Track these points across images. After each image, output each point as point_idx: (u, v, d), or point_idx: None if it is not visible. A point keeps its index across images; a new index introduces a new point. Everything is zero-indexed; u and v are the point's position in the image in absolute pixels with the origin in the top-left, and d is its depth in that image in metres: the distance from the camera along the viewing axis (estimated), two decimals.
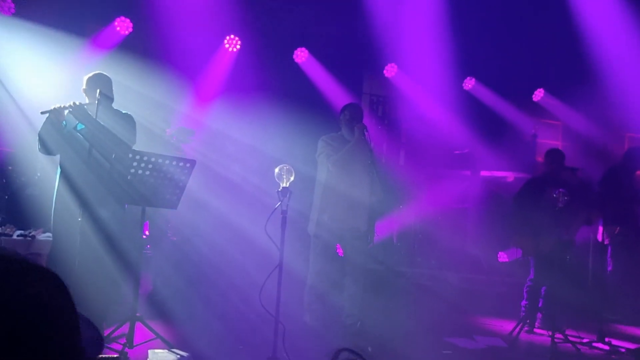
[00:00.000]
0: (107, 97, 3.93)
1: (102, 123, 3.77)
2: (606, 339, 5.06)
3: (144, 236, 4.68)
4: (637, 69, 7.90)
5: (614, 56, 7.94)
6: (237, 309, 4.77)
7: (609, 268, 6.26)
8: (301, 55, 7.84)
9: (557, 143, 9.46)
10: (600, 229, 6.03)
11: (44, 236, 4.43)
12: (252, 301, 3.93)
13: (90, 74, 4.01)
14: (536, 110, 8.93)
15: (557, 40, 8.14)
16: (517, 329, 4.97)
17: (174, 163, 3.73)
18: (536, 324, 5.45)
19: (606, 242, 6.12)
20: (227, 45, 7.49)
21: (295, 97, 7.18)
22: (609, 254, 6.18)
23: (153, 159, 3.64)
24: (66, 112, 3.78)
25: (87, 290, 3.66)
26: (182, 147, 5.45)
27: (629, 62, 7.89)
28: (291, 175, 3.63)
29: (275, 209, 3.58)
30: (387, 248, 7.05)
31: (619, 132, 9.76)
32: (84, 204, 3.74)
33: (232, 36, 7.48)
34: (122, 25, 7.05)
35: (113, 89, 4.14)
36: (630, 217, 6.12)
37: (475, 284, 6.79)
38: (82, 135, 3.85)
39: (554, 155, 5.58)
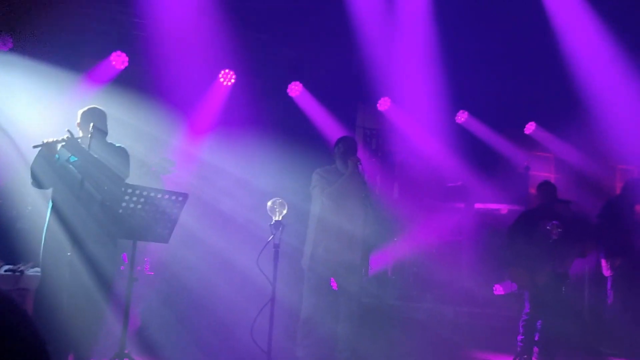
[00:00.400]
0: (100, 130, 3.95)
1: (95, 155, 3.77)
2: None
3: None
4: (626, 102, 8.03)
5: (604, 89, 8.06)
6: (228, 345, 4.68)
7: (609, 300, 6.22)
8: (295, 89, 7.93)
9: (549, 175, 9.51)
10: (603, 261, 6.03)
11: (32, 271, 4.36)
12: (244, 336, 3.87)
13: (85, 108, 4.03)
14: (528, 143, 9.02)
15: (548, 73, 8.28)
16: None
17: (166, 197, 3.71)
18: (533, 358, 5.36)
19: (607, 274, 6.10)
20: (221, 79, 7.57)
21: (289, 130, 7.23)
22: (609, 286, 6.15)
23: (145, 193, 3.63)
24: (59, 145, 3.78)
25: (74, 326, 3.62)
26: (175, 179, 5.44)
27: (619, 95, 8.02)
28: (284, 209, 3.62)
29: (268, 242, 3.56)
30: (381, 281, 6.99)
31: (611, 164, 9.85)
32: (75, 238, 3.71)
33: (226, 70, 7.57)
34: (118, 60, 7.13)
35: (107, 123, 4.16)
36: (630, 249, 6.12)
37: (471, 317, 6.72)
38: (75, 168, 3.84)
39: (546, 188, 5.60)
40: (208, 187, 6.18)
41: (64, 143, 3.74)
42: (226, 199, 6.25)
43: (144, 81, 6.89)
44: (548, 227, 4.74)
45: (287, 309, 4.68)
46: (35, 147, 3.77)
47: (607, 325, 6.19)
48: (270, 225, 3.58)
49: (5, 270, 4.37)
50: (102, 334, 3.94)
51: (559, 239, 4.77)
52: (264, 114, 7.24)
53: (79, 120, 4.00)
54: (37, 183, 3.89)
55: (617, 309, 6.11)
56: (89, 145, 3.74)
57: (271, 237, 3.55)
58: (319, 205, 4.74)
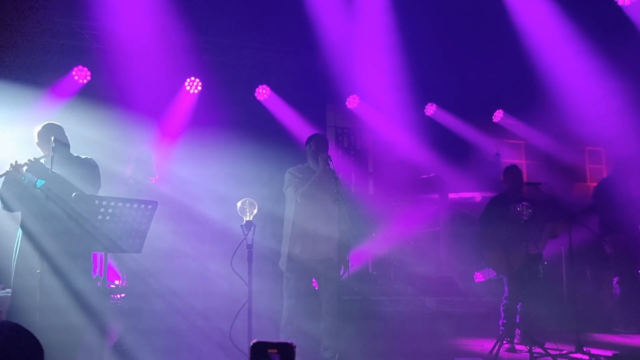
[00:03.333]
0: (62, 143, 3.87)
1: (59, 173, 3.69)
2: (584, 349, 5.06)
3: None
4: (590, 85, 8.19)
5: (567, 73, 8.23)
6: (209, 350, 4.63)
7: (615, 278, 6.37)
8: (263, 93, 7.92)
9: (520, 161, 9.67)
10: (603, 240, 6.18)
11: (3, 293, 4.26)
12: (224, 341, 3.83)
13: (39, 127, 3.95)
14: (498, 131, 9.16)
15: (512, 61, 8.41)
16: (497, 347, 4.94)
17: (135, 206, 3.64)
18: (515, 340, 5.43)
19: (608, 251, 6.25)
20: (187, 87, 7.53)
21: (260, 134, 7.21)
22: (611, 263, 6.31)
23: (113, 203, 3.56)
24: (24, 169, 3.71)
25: (49, 343, 3.54)
26: (146, 189, 5.37)
27: (583, 78, 8.19)
28: (254, 209, 3.60)
29: (241, 243, 3.53)
30: (362, 278, 7.00)
31: (580, 147, 10.06)
32: (45, 256, 3.63)
33: (192, 78, 7.53)
34: (80, 74, 7.04)
35: (71, 136, 4.08)
36: (625, 226, 6.27)
37: (452, 306, 6.78)
38: (42, 192, 3.77)
39: (512, 172, 5.68)
40: (179, 195, 6.12)
41: (27, 166, 3.67)
42: (198, 205, 6.19)
43: (108, 94, 6.82)
44: (518, 209, 4.80)
45: (267, 310, 4.64)
46: (1, 175, 3.69)
47: (586, 303, 6.32)
48: (242, 225, 3.55)
49: None
50: (81, 349, 3.86)
51: (530, 220, 4.84)
52: (233, 119, 7.22)
53: (37, 140, 3.93)
54: (6, 206, 3.83)
55: (626, 286, 6.25)
56: (52, 160, 3.67)
57: (243, 238, 3.52)
58: (293, 205, 4.72)
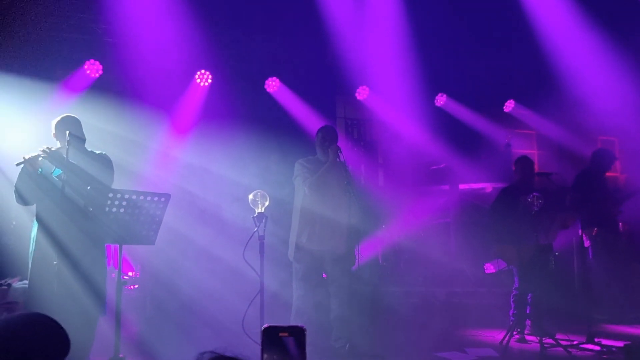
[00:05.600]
0: (77, 137, 3.93)
1: (75, 164, 3.76)
2: (596, 339, 5.07)
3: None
4: (603, 73, 8.11)
5: (579, 62, 8.15)
6: (222, 339, 4.69)
7: (592, 270, 6.33)
8: (273, 85, 7.93)
9: (532, 152, 9.61)
10: (580, 232, 6.11)
11: (20, 284, 4.35)
12: (237, 330, 3.88)
13: (58, 118, 4.01)
14: (508, 121, 9.10)
15: (523, 51, 8.35)
16: (507, 338, 4.96)
17: (148, 198, 3.70)
18: (526, 330, 5.44)
19: (586, 244, 6.21)
20: (198, 80, 7.56)
21: (270, 126, 7.23)
22: (590, 256, 6.26)
23: (127, 196, 3.61)
24: (40, 159, 3.77)
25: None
26: (157, 181, 5.42)
27: (595, 66, 8.11)
28: (266, 201, 3.64)
29: (252, 235, 3.57)
30: (372, 268, 7.03)
31: (592, 136, 9.96)
32: (61, 248, 3.70)
33: (202, 71, 7.56)
34: (92, 68, 7.09)
35: (84, 129, 4.14)
36: (605, 218, 6.23)
37: (462, 297, 6.79)
38: (60, 180, 3.83)
39: (522, 162, 5.67)
40: (191, 187, 6.18)
41: (45, 156, 3.72)
42: (210, 197, 6.25)
43: (120, 88, 6.86)
44: (529, 199, 4.80)
45: (278, 300, 4.69)
46: (18, 164, 3.75)
47: (596, 293, 6.30)
48: (254, 217, 3.59)
49: None
50: (96, 340, 3.93)
51: (541, 211, 4.83)
52: (243, 112, 7.24)
53: (54, 131, 3.99)
54: (22, 200, 3.89)
55: (601, 277, 6.22)
56: (67, 154, 3.73)
57: (255, 230, 3.56)
58: (302, 196, 4.76)
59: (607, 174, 6.63)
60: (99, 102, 6.25)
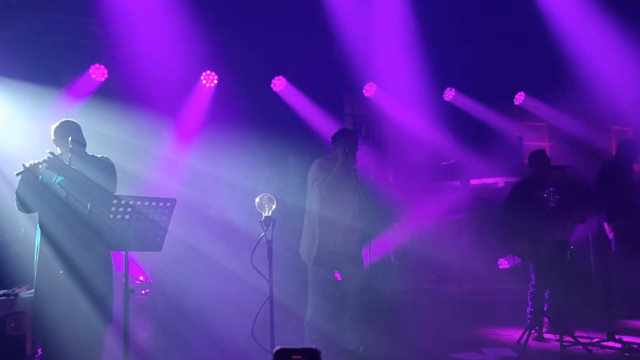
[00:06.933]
0: (79, 142, 3.87)
1: (78, 171, 3.69)
2: (616, 337, 4.93)
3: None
4: (615, 62, 7.93)
5: (590, 51, 7.97)
6: (232, 347, 4.63)
7: (615, 263, 6.18)
8: (279, 84, 7.85)
9: (543, 144, 9.45)
10: (605, 224, 5.98)
11: (27, 293, 4.30)
12: (247, 337, 3.80)
13: (57, 124, 3.94)
14: (519, 114, 8.94)
15: (532, 42, 8.19)
16: (525, 337, 4.84)
17: (154, 204, 3.61)
18: (544, 329, 5.32)
19: (610, 236, 6.06)
20: (204, 82, 7.51)
21: (277, 126, 7.15)
22: (613, 249, 6.12)
23: (131, 202, 3.54)
24: (41, 166, 3.70)
25: (74, 344, 3.56)
26: (163, 186, 5.36)
27: (607, 55, 7.93)
28: (273, 204, 3.55)
29: (260, 239, 3.49)
30: (385, 267, 6.94)
31: (605, 126, 9.78)
32: (66, 257, 3.64)
33: (208, 72, 7.50)
34: (97, 73, 7.06)
35: (89, 134, 4.07)
36: (631, 210, 6.07)
37: (477, 294, 6.67)
38: (62, 187, 3.76)
39: (538, 156, 5.54)
40: (198, 191, 6.11)
41: (46, 163, 3.65)
42: (218, 201, 6.18)
43: (126, 91, 6.83)
44: (545, 195, 4.67)
45: (288, 305, 4.61)
46: (17, 174, 3.69)
47: (615, 288, 6.15)
48: (261, 221, 3.50)
49: (0, 295, 4.30)
50: (104, 348, 3.87)
51: (557, 206, 4.70)
52: (250, 112, 7.17)
53: (53, 137, 3.92)
54: (24, 207, 3.82)
55: (622, 271, 6.07)
56: (70, 160, 3.66)
57: (263, 234, 3.48)
58: (319, 200, 4.68)
59: (634, 166, 6.46)
60: (104, 106, 6.21)
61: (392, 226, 7.15)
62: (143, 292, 6.08)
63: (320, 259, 4.64)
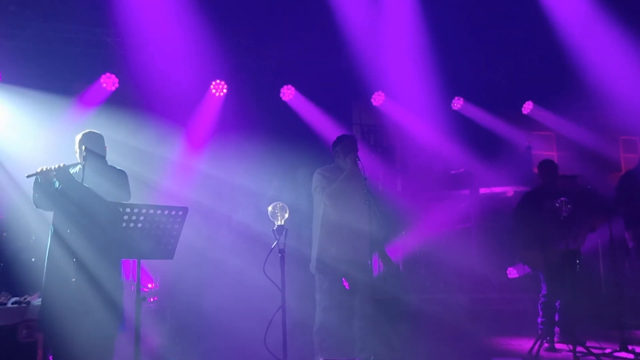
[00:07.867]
0: (94, 154, 3.88)
1: (86, 183, 3.70)
2: (629, 347, 4.89)
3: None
4: (623, 71, 7.93)
5: (598, 61, 7.97)
6: (244, 356, 4.62)
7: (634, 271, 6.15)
8: (288, 93, 7.89)
9: (552, 153, 9.43)
10: (626, 233, 5.95)
11: (38, 301, 4.31)
12: (258, 346, 3.80)
13: (80, 134, 3.97)
14: (528, 123, 8.94)
15: (540, 51, 8.20)
16: (537, 347, 4.81)
17: (166, 212, 3.63)
18: (555, 339, 5.27)
19: (630, 245, 6.03)
20: (213, 91, 7.55)
21: (286, 134, 7.18)
22: (632, 256, 6.08)
23: (144, 210, 3.55)
24: (53, 174, 3.73)
25: (84, 351, 3.57)
26: (175, 194, 5.38)
27: (615, 65, 7.93)
28: (285, 213, 3.55)
29: (273, 248, 3.50)
30: (394, 276, 6.91)
31: (613, 136, 9.76)
32: (77, 263, 3.65)
33: (217, 81, 7.54)
34: (108, 82, 7.12)
35: (105, 144, 4.09)
36: None
37: (487, 304, 6.63)
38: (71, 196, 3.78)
39: (547, 166, 5.53)
40: (209, 199, 6.13)
41: (55, 173, 3.68)
42: (229, 209, 6.20)
43: (137, 100, 6.87)
44: (557, 205, 4.65)
45: (300, 315, 4.60)
46: (28, 176, 3.71)
47: (628, 297, 6.10)
48: (273, 230, 3.51)
49: (12, 303, 4.31)
50: (116, 355, 3.88)
51: (569, 215, 4.68)
52: (259, 121, 7.20)
53: (75, 147, 3.96)
54: (39, 204, 3.85)
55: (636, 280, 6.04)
56: (83, 171, 3.69)
57: (275, 243, 3.48)
58: (322, 207, 4.67)
59: None
60: (115, 115, 6.25)
61: (401, 235, 7.13)
62: (152, 299, 6.08)
63: (324, 267, 4.62)
